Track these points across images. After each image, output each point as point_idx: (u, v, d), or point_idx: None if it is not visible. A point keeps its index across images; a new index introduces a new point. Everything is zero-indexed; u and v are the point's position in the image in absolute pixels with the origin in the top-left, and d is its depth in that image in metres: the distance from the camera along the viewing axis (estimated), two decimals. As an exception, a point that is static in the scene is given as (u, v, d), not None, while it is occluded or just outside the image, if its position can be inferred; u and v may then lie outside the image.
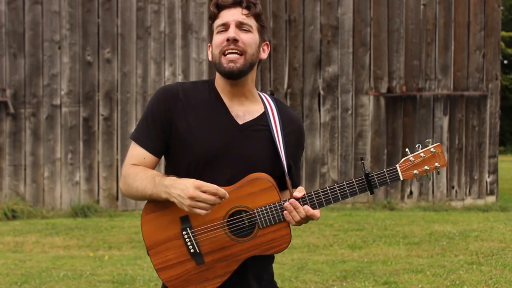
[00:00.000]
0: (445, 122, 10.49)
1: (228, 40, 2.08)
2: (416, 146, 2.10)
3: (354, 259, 6.20)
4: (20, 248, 7.07)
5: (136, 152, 2.17)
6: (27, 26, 9.78)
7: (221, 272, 2.07)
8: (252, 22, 2.13)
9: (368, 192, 2.09)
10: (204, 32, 9.94)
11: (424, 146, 2.11)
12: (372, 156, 10.27)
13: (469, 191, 10.60)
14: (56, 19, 9.81)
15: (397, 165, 2.08)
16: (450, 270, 5.58)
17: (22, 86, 9.78)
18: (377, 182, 2.07)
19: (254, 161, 2.11)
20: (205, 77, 9.88)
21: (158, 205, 2.09)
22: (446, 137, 10.49)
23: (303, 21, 10.22)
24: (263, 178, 2.06)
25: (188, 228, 2.06)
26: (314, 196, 2.06)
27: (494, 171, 10.70)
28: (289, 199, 2.05)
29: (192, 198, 1.93)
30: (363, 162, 2.08)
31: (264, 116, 2.17)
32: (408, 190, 10.40)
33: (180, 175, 2.11)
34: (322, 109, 10.22)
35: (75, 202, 9.63)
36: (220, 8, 2.13)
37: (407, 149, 2.12)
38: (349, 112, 10.24)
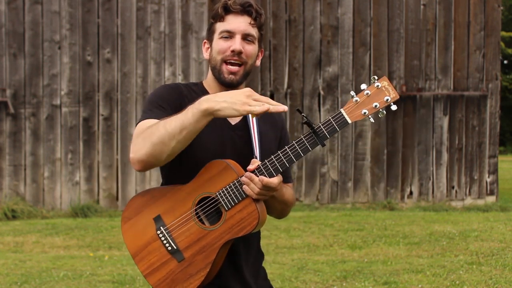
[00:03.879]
0: (445, 122, 10.49)
1: (233, 50, 2.10)
2: (361, 85, 1.99)
3: (354, 259, 6.20)
4: (20, 248, 7.07)
5: (147, 122, 2.03)
6: (27, 26, 9.78)
7: (202, 265, 2.09)
8: (255, 32, 2.15)
9: (320, 145, 2.01)
10: (204, 32, 9.93)
11: (369, 83, 2.00)
12: (372, 156, 10.27)
13: (469, 191, 10.60)
14: (56, 19, 9.81)
15: (341, 109, 1.99)
16: (450, 270, 5.58)
17: (22, 86, 9.78)
18: (325, 132, 1.99)
19: (246, 159, 2.13)
20: (205, 77, 9.87)
21: (132, 212, 2.12)
22: (446, 137, 10.49)
23: (303, 21, 10.22)
24: (217, 160, 2.07)
25: (161, 227, 2.09)
26: (268, 164, 2.04)
27: (494, 171, 10.70)
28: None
29: (248, 96, 1.90)
30: (303, 115, 1.99)
31: (244, 117, 2.21)
32: (408, 190, 10.40)
33: (176, 174, 2.15)
34: (322, 109, 10.22)
35: (75, 202, 9.63)
36: (228, 11, 2.13)
37: (351, 91, 2.01)
38: (349, 112, 10.23)
